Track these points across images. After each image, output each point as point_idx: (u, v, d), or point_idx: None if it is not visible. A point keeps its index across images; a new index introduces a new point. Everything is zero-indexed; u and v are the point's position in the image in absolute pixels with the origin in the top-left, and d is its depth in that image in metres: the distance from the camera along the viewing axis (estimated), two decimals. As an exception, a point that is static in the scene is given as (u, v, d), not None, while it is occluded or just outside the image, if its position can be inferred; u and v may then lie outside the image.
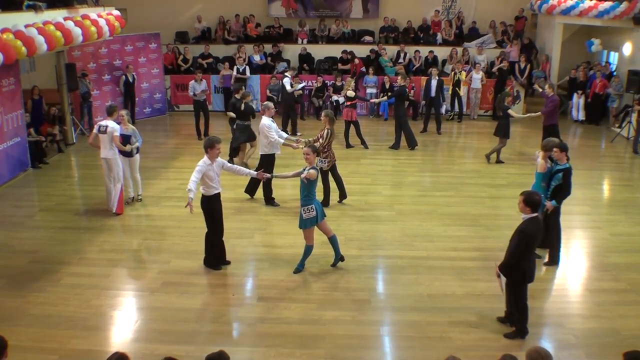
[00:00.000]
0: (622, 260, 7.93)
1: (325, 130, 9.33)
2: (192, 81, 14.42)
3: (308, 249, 7.45)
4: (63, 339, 6.03)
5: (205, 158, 7.23)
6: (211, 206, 7.39)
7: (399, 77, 13.70)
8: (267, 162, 9.54)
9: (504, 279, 5.90)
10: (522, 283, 5.94)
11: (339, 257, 7.64)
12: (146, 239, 8.54)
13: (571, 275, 7.66)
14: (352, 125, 13.29)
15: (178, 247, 8.22)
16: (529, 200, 5.83)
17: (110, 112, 9.27)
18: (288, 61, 17.54)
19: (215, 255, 7.60)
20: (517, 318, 6.12)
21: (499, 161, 12.25)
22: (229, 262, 7.68)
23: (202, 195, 7.33)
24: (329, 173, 9.64)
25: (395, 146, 13.21)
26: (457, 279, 7.35)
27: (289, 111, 14.38)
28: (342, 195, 9.85)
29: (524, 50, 17.37)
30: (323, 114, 9.67)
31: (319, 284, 7.23)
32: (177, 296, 6.95)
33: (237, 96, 11.75)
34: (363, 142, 13.36)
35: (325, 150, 9.40)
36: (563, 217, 7.84)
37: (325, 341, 6.05)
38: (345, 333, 6.19)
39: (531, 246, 5.84)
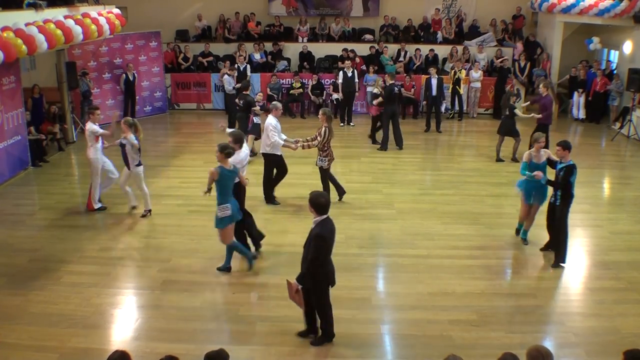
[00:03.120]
0: (623, 259, 7.92)
1: (323, 128, 9.30)
2: (226, 75, 14.53)
3: (230, 248, 7.37)
4: (63, 338, 6.03)
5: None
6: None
7: (387, 76, 13.58)
8: (269, 162, 9.54)
9: (301, 294, 5.65)
10: (326, 287, 5.78)
11: (225, 267, 7.47)
12: (146, 237, 8.55)
13: (571, 274, 7.65)
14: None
15: (178, 245, 8.22)
16: (314, 203, 5.57)
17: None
18: (288, 59, 17.55)
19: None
20: (322, 323, 5.92)
21: (499, 159, 12.25)
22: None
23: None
24: (327, 172, 9.62)
25: (399, 145, 13.15)
26: (458, 278, 7.35)
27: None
28: (341, 191, 9.81)
29: (527, 48, 17.36)
30: (320, 112, 9.63)
31: (319, 282, 7.22)
32: (177, 294, 6.95)
33: (248, 92, 12.00)
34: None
35: (325, 148, 9.38)
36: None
37: (325, 339, 6.05)
38: (345, 331, 6.18)
39: (330, 248, 5.66)
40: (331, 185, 9.71)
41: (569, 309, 6.77)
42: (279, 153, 9.57)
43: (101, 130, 9.30)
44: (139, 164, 9.01)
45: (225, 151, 7.04)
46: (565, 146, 7.42)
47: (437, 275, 7.43)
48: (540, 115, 12.05)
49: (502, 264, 7.88)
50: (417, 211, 9.55)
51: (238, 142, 7.55)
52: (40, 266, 7.60)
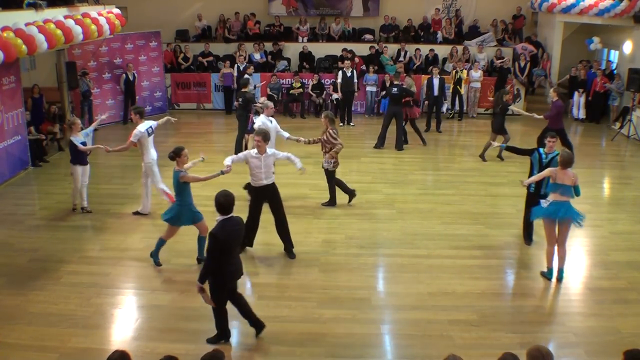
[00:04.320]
0: (623, 259, 7.92)
1: (331, 131, 9.20)
2: (246, 75, 14.61)
3: (162, 242, 7.65)
4: (63, 337, 6.03)
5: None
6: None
7: (392, 76, 13.62)
8: None
9: (206, 293, 5.62)
10: (223, 287, 5.72)
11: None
12: (146, 238, 8.53)
13: (571, 274, 7.64)
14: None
15: (178, 245, 8.20)
16: (215, 202, 5.56)
17: (144, 114, 9.28)
18: (288, 59, 17.56)
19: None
20: (217, 323, 5.89)
21: (482, 156, 12.28)
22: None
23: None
24: (334, 174, 9.57)
25: (399, 146, 13.10)
26: (458, 277, 7.35)
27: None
28: (350, 194, 9.69)
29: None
30: (323, 115, 9.49)
31: (319, 282, 7.23)
32: (177, 294, 6.95)
33: (246, 90, 11.92)
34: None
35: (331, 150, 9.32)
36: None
37: (325, 339, 6.05)
38: (345, 331, 6.19)
39: (228, 249, 5.56)
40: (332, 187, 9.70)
41: (569, 309, 6.77)
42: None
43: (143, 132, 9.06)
44: (74, 163, 9.21)
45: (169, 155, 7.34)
46: (556, 137, 8.02)
47: (437, 275, 7.43)
48: (541, 117, 12.00)
49: (502, 264, 7.88)
50: (417, 211, 9.55)
51: (266, 139, 7.58)
52: (40, 266, 7.60)
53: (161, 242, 7.63)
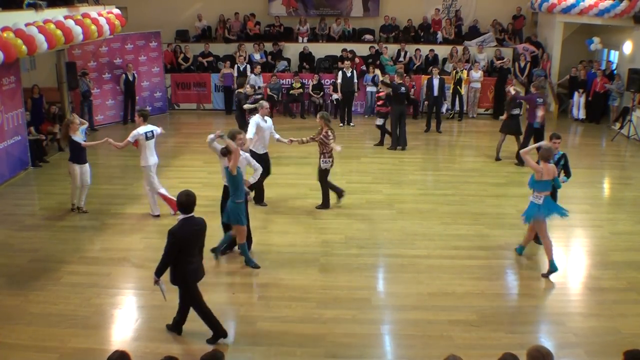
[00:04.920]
0: (623, 259, 7.92)
1: (326, 133, 9.19)
2: (253, 75, 14.72)
3: (243, 247, 7.55)
4: (64, 338, 6.03)
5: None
6: None
7: (395, 75, 13.69)
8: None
9: (163, 286, 5.68)
10: (187, 285, 5.74)
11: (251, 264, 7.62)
12: (146, 238, 8.54)
13: (571, 274, 7.65)
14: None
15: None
16: (178, 201, 5.61)
17: (147, 117, 9.09)
18: (288, 59, 17.56)
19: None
20: (206, 322, 5.89)
21: (498, 158, 12.26)
22: None
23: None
24: (326, 174, 9.55)
25: (402, 146, 13.11)
26: (458, 278, 7.35)
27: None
28: (339, 192, 9.66)
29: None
30: (318, 116, 9.46)
31: (319, 282, 7.23)
32: (177, 295, 6.92)
33: (241, 90, 11.85)
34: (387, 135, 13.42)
35: (330, 150, 9.31)
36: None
37: (325, 340, 6.05)
38: (345, 332, 6.19)
39: (187, 248, 5.59)
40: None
41: (569, 309, 6.77)
42: (258, 152, 9.15)
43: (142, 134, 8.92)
44: (72, 161, 9.22)
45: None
46: (561, 138, 8.02)
47: (437, 275, 7.43)
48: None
49: (502, 264, 7.87)
50: (417, 211, 9.55)
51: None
52: (40, 266, 7.60)
53: (243, 247, 7.55)
